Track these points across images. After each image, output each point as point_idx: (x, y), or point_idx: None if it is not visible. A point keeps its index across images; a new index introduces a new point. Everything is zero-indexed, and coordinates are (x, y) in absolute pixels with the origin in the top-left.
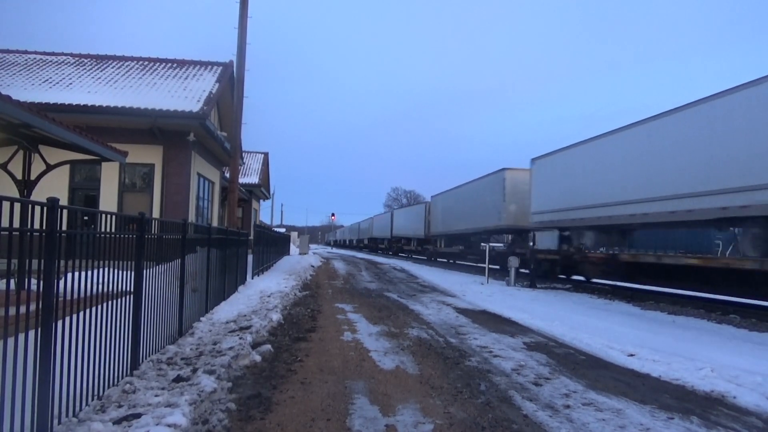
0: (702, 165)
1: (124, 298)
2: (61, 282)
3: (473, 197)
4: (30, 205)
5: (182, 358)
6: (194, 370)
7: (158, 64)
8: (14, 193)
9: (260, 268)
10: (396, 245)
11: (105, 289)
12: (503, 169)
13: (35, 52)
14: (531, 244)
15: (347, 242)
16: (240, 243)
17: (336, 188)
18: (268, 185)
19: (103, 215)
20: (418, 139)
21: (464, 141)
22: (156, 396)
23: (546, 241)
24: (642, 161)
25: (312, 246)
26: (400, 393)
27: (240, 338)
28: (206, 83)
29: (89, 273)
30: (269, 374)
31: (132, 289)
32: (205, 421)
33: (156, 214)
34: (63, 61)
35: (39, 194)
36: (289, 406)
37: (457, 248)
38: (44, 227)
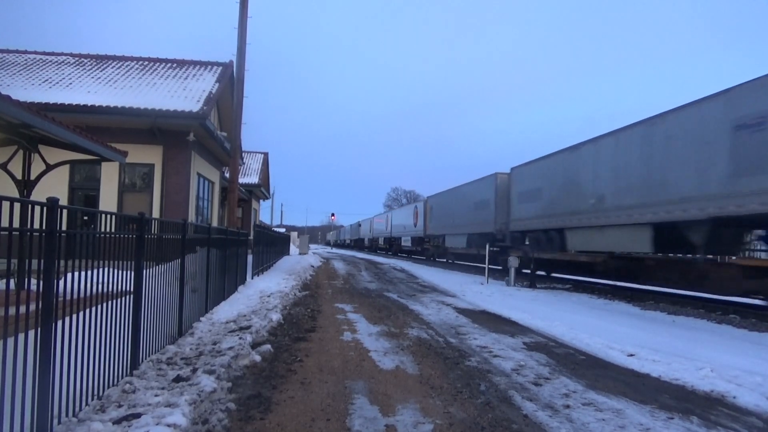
0: None
1: (124, 298)
2: (61, 282)
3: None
4: (30, 205)
5: (182, 358)
6: (194, 370)
7: (158, 64)
8: (14, 193)
9: (260, 268)
10: (434, 246)
11: (105, 289)
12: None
13: (35, 52)
14: None
15: (352, 243)
16: (240, 243)
17: (336, 188)
18: (268, 185)
19: (103, 215)
20: (418, 139)
21: (464, 141)
22: (156, 396)
23: None
24: None
25: (312, 246)
26: (399, 393)
27: (240, 338)
28: (206, 83)
29: (89, 273)
30: (269, 374)
31: (132, 289)
32: (205, 421)
33: (156, 214)
34: (63, 61)
35: (39, 194)
36: (289, 406)
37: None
38: (44, 227)
